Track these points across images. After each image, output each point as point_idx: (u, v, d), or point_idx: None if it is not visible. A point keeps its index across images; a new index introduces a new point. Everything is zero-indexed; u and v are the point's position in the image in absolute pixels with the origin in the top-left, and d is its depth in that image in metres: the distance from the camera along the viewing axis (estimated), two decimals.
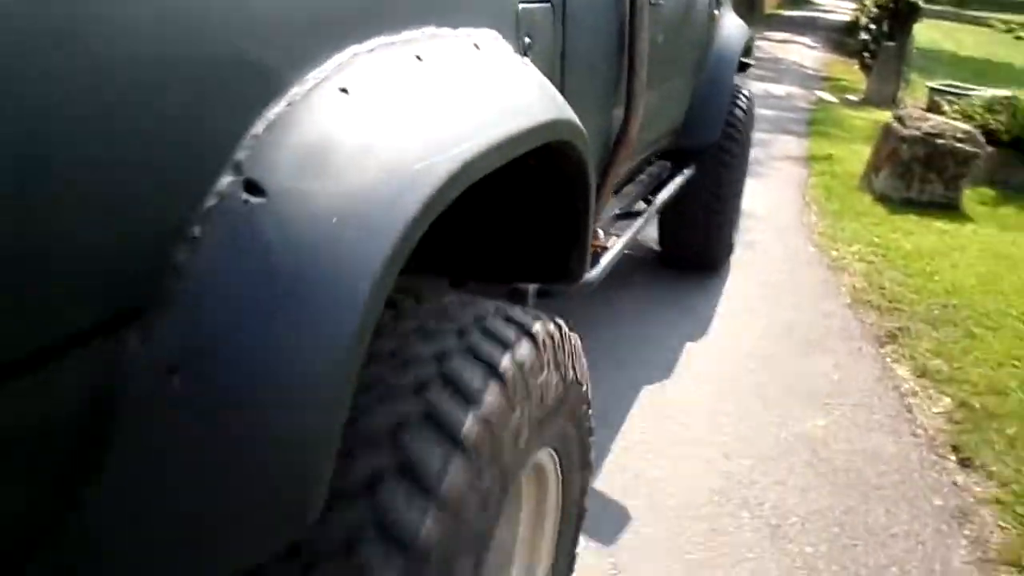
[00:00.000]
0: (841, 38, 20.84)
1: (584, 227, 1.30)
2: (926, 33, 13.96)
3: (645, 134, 2.11)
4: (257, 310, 0.66)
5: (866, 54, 13.89)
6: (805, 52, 16.16)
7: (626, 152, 1.92)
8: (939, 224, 5.11)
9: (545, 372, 1.06)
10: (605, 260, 2.09)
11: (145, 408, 0.64)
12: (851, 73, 13.38)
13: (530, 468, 1.20)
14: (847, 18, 27.69)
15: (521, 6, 1.26)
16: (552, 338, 1.11)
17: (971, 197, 5.72)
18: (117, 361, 0.63)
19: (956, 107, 6.97)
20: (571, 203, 1.28)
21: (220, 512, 0.66)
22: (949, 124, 5.52)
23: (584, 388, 1.29)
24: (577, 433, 1.30)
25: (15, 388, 0.55)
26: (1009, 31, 8.24)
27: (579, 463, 1.37)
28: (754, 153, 5.73)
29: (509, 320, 1.04)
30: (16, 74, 0.51)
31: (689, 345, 3.29)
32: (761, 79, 10.65)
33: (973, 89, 10.04)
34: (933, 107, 10.10)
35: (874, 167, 5.78)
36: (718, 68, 3.22)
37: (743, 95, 3.56)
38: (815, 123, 8.40)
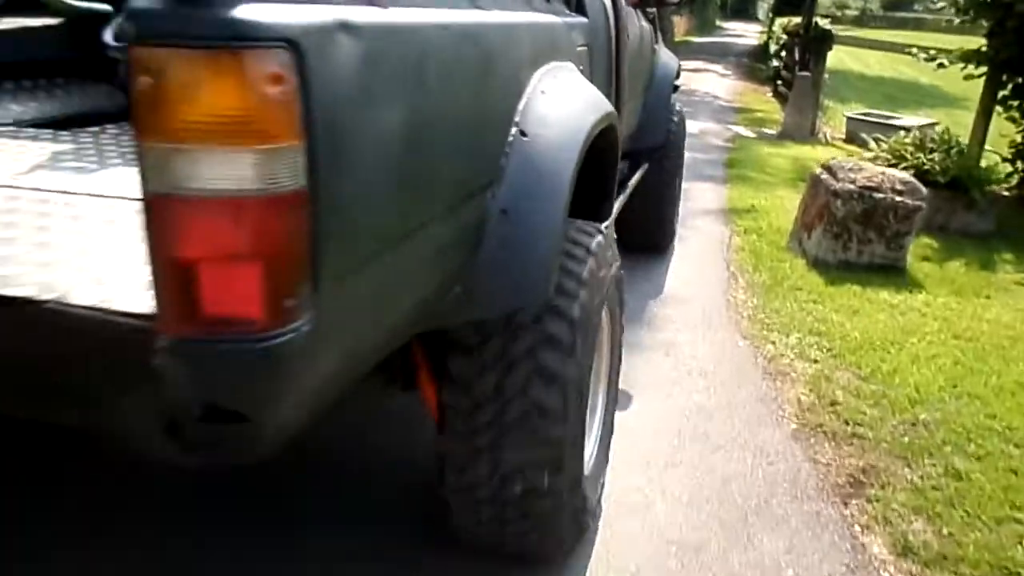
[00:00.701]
0: (752, 64, 20.71)
1: (612, 184, 2.34)
2: (832, 55, 13.66)
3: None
4: (531, 183, 1.51)
5: (779, 82, 13.49)
6: (717, 81, 15.75)
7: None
8: (886, 295, 4.34)
9: (602, 265, 1.84)
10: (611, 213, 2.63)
11: (493, 225, 1.46)
12: (765, 102, 12.93)
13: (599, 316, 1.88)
14: (756, 42, 27.87)
15: (578, 48, 2.16)
16: (604, 239, 1.89)
17: (913, 251, 5.00)
18: (486, 204, 1.45)
19: (884, 146, 6.31)
20: (605, 169, 2.20)
21: (519, 273, 1.50)
22: (885, 174, 4.78)
23: (619, 268, 2.07)
24: (619, 298, 2.17)
25: (466, 208, 1.38)
26: (931, 59, 7.57)
27: (619, 319, 2.24)
28: None
29: (584, 231, 1.82)
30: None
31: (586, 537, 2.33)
32: None
33: (892, 117, 9.59)
34: (852, 137, 9.60)
35: (804, 225, 5.02)
36: (660, 88, 4.21)
37: (676, 109, 4.48)
38: (733, 165, 7.70)
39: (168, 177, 0.79)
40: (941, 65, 7.35)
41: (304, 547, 2.04)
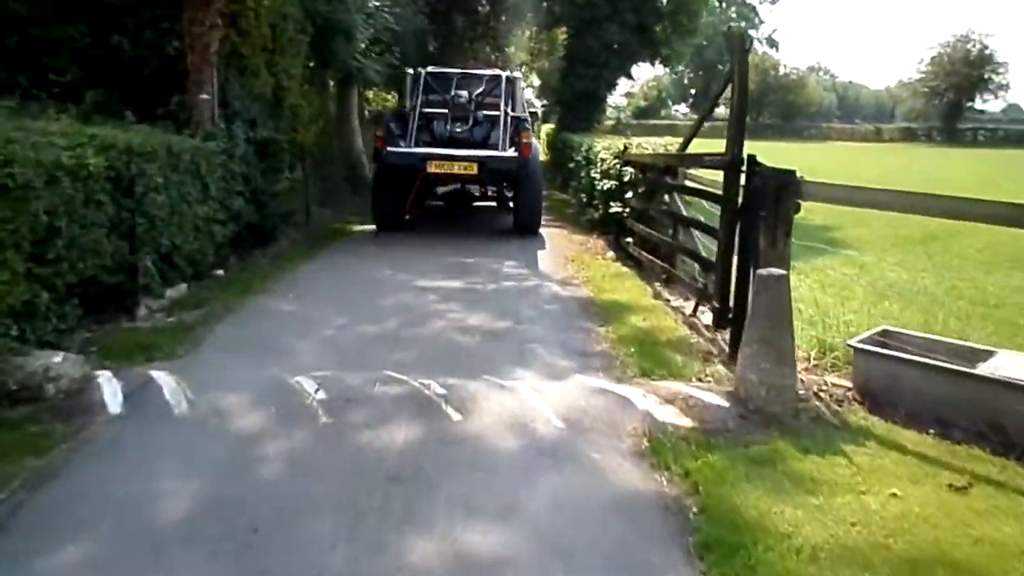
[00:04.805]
0: (550, 196, 16.12)
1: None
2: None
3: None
4: (534, 152, 10.76)
5: (628, 239, 8.48)
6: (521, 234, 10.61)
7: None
8: None
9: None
10: None
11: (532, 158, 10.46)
12: (617, 277, 7.75)
13: None
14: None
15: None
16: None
17: None
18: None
19: None
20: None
21: (535, 163, 10.84)
22: None
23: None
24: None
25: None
26: None
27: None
28: None
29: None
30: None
31: None
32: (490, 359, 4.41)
33: (974, 352, 4.59)
34: (874, 394, 4.48)
35: None
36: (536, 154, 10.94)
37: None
38: None
39: None
40: None
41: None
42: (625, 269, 8.05)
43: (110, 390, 4.12)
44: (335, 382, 4.29)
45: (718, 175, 6.72)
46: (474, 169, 9.60)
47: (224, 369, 4.57)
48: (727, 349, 5.21)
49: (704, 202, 6.92)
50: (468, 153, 9.81)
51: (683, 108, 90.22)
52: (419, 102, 10.41)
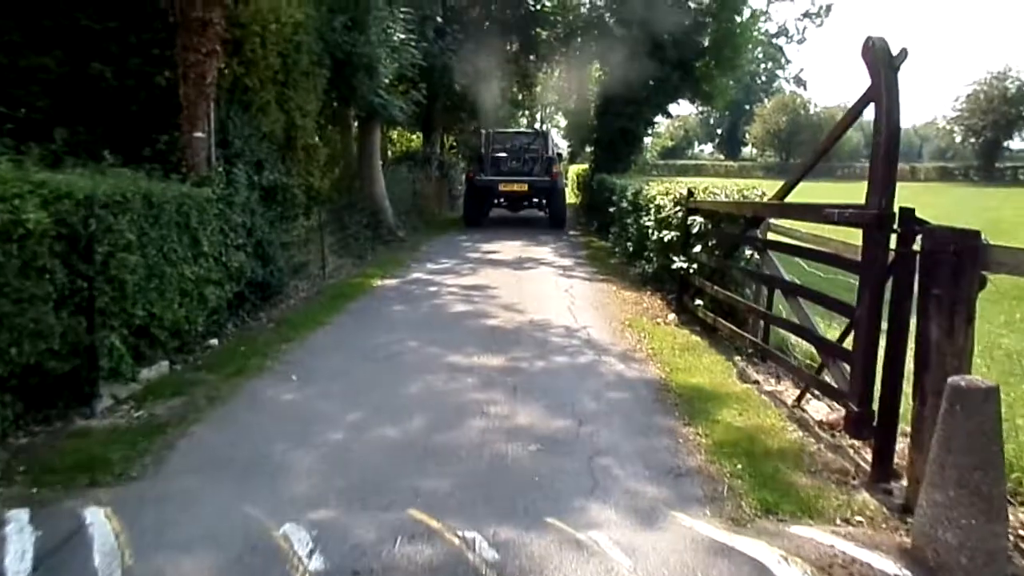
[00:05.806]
0: (587, 240, 14.94)
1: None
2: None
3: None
4: (560, 183, 19.05)
5: (697, 301, 7.17)
6: (564, 288, 9.29)
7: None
8: None
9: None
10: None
11: (559, 182, 18.52)
12: (688, 348, 6.41)
13: None
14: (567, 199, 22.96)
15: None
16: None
17: None
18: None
19: None
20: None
21: (562, 196, 20.94)
22: None
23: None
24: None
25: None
26: None
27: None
28: None
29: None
30: None
31: None
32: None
33: None
34: None
35: None
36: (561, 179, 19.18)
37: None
38: None
39: None
40: None
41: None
42: (695, 337, 6.73)
43: (17, 549, 2.87)
44: (337, 536, 3.01)
45: (815, 228, 5.55)
46: (525, 187, 17.41)
47: (188, 504, 3.31)
48: (865, 465, 3.90)
49: (801, 262, 5.65)
50: (522, 178, 17.56)
51: (708, 148, 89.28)
52: (490, 149, 18.41)
